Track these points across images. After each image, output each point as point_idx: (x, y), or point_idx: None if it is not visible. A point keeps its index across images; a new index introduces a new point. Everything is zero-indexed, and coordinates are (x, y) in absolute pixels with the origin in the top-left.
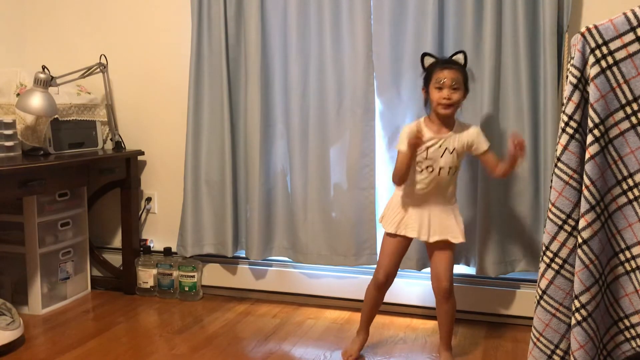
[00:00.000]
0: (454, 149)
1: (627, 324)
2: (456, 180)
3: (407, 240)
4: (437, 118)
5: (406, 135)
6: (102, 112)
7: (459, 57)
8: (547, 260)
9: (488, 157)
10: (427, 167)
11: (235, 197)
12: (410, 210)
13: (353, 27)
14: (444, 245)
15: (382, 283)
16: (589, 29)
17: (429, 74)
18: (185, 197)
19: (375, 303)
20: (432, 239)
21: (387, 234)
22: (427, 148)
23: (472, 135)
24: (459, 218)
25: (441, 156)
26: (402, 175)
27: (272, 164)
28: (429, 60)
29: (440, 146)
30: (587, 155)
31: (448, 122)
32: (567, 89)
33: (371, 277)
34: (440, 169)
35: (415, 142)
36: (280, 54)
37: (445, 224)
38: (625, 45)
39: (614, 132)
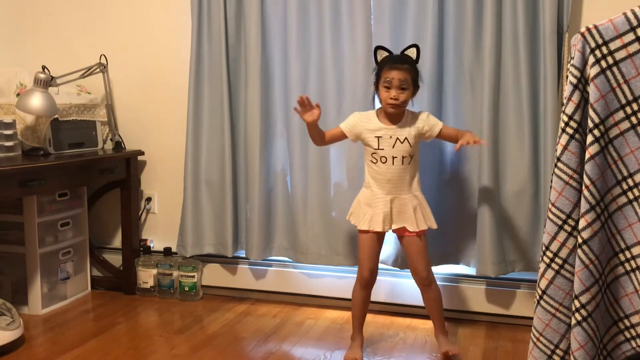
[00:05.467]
0: (405, 139)
1: (627, 324)
2: (416, 168)
3: (381, 233)
4: (386, 113)
5: (352, 118)
6: (102, 112)
7: (412, 51)
8: (547, 260)
9: (445, 133)
10: (380, 158)
11: (235, 197)
12: (376, 204)
13: (353, 27)
14: (412, 237)
15: (368, 280)
16: (589, 29)
17: (379, 70)
18: (185, 197)
19: (365, 303)
20: (388, 228)
21: (361, 231)
22: (378, 138)
23: (423, 121)
24: (424, 206)
25: (393, 146)
26: (312, 138)
27: (272, 164)
28: (382, 54)
29: (390, 137)
30: (587, 155)
31: (398, 115)
32: (567, 89)
33: None
34: (393, 158)
35: (303, 111)
36: (280, 54)
37: (403, 212)
38: (625, 45)
39: (614, 132)
